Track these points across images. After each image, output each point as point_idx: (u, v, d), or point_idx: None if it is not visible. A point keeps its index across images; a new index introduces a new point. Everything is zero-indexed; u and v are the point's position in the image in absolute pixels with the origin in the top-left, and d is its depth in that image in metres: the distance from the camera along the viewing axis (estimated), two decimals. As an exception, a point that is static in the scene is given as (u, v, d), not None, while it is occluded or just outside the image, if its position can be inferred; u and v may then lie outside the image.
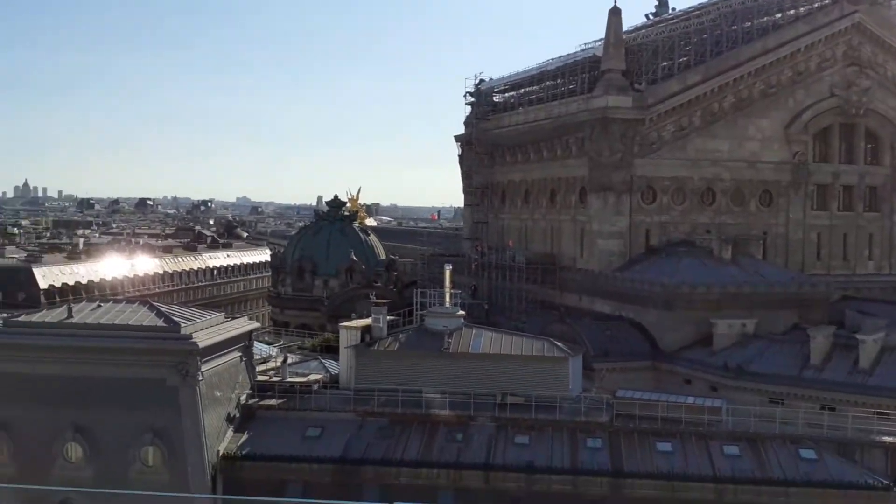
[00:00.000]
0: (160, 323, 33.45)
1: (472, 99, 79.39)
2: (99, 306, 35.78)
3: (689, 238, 59.87)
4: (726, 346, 49.27)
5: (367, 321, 40.07)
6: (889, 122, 64.68)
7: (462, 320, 40.68)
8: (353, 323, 40.02)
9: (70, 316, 33.81)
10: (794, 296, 53.75)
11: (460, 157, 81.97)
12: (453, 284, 43.20)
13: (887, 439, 33.11)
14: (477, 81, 79.63)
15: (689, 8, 69.61)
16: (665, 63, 62.28)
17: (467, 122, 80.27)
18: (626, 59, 61.07)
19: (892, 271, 64.46)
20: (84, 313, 34.43)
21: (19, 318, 35.73)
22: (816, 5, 65.22)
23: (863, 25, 64.18)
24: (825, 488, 30.75)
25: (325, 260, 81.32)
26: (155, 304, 36.30)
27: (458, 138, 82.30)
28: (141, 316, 34.15)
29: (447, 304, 41.35)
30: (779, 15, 64.38)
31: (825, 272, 61.45)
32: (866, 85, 63.86)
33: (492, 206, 76.78)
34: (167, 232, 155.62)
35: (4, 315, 41.44)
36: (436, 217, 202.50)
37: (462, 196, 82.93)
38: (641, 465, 31.97)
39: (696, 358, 49.61)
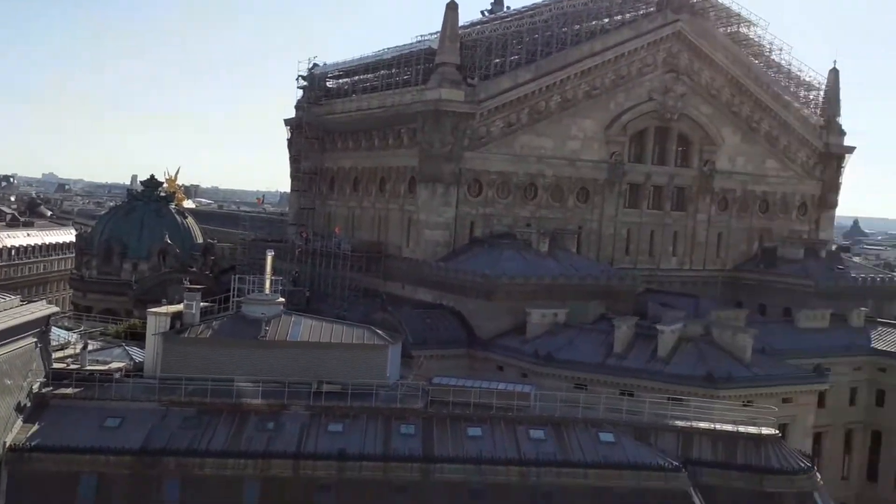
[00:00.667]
0: (-59, 305, 30.55)
1: (305, 83, 78.10)
2: None
3: (510, 231, 61.63)
4: (538, 334, 51.07)
5: (179, 307, 38.38)
6: (700, 127, 69.11)
7: (281, 308, 39.78)
8: (163, 309, 38.17)
9: None
10: (602, 288, 56.50)
11: (289, 141, 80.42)
12: (275, 271, 42.21)
13: (679, 423, 35.25)
14: (310, 66, 78.42)
15: (524, 7, 71.58)
16: (498, 60, 63.64)
17: (298, 106, 78.78)
18: (461, 53, 61.92)
19: (692, 267, 69.16)
20: None
21: None
22: (642, 12, 68.57)
23: (683, 34, 68.13)
24: (621, 469, 32.39)
25: (137, 242, 77.57)
26: (-63, 284, 33.10)
27: (287, 122, 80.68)
28: (-80, 297, 31.04)
29: (266, 291, 40.31)
30: (607, 20, 67.22)
31: (632, 266, 65.00)
32: (682, 91, 67.92)
33: (319, 193, 75.86)
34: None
35: None
36: (261, 202, 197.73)
37: (289, 181, 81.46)
38: (452, 450, 32.44)
39: (509, 346, 51.15)
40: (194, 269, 73.86)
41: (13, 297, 35.45)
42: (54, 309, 37.37)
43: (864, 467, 56.43)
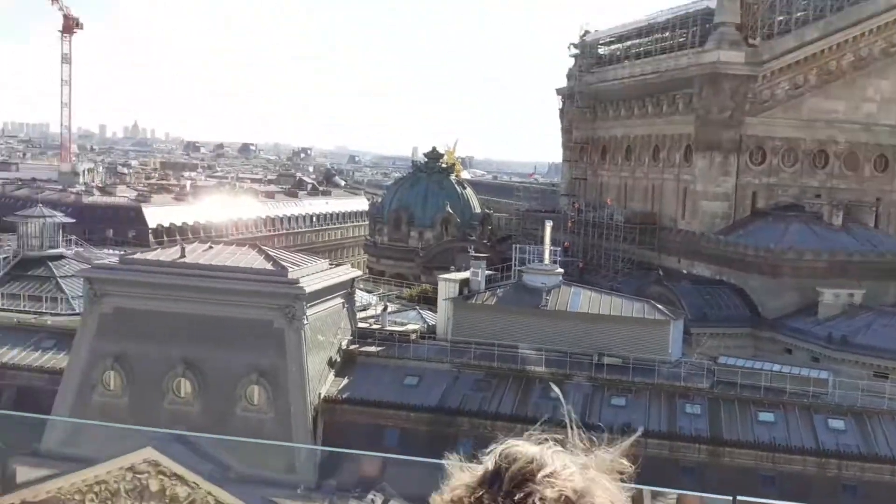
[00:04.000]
0: (269, 266, 34.34)
1: (576, 51, 77.87)
2: (210, 248, 36.97)
3: (797, 202, 57.73)
4: (831, 315, 47.59)
5: (465, 274, 40.28)
6: None
7: (560, 278, 40.44)
8: (453, 275, 40.31)
9: (183, 256, 35.06)
10: (906, 267, 51.33)
11: (561, 110, 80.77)
12: (550, 241, 42.98)
13: None
14: (582, 33, 77.98)
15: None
16: (782, 17, 59.48)
17: (570, 75, 78.84)
18: (741, 12, 58.58)
19: None
20: (196, 254, 35.64)
21: (135, 256, 37.20)
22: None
23: None
24: (935, 469, 29.59)
25: (422, 211, 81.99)
26: (263, 247, 37.27)
27: (559, 91, 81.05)
28: (250, 259, 35.12)
29: (546, 261, 41.14)
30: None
31: (943, 243, 58.29)
32: None
33: (591, 163, 75.61)
34: (269, 178, 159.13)
35: (118, 252, 43.44)
36: (534, 175, 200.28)
37: (560, 151, 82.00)
38: (741, 433, 31.37)
39: (798, 327, 48.09)
40: (473, 238, 76.87)
41: (323, 260, 39.01)
42: (358, 272, 40.80)
43: None
